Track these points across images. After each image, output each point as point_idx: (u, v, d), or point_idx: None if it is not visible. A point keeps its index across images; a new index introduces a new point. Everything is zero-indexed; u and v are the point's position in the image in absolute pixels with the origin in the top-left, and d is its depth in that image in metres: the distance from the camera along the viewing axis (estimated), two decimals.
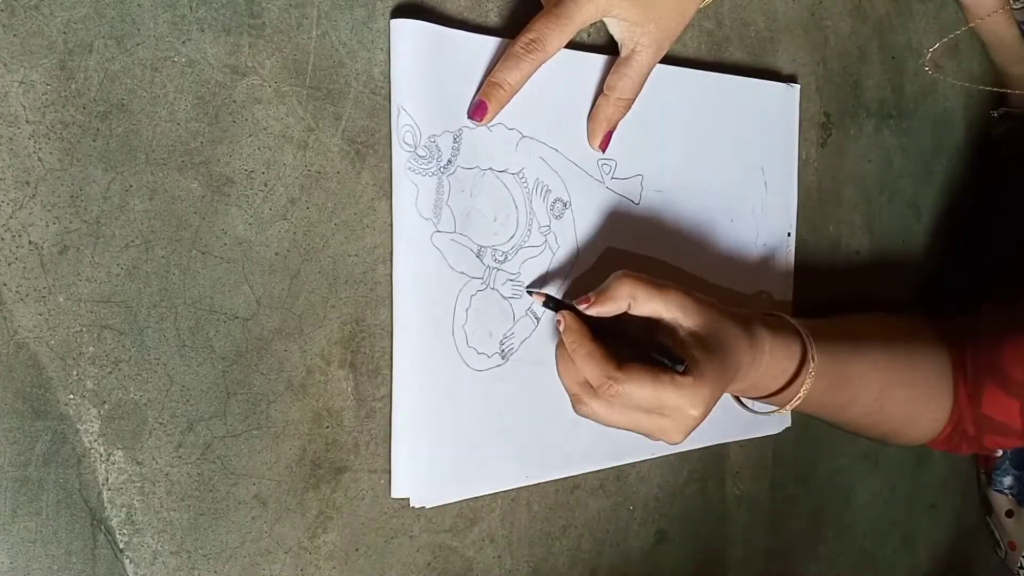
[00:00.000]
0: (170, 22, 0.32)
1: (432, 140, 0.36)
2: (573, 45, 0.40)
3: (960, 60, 0.59)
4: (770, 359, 0.41)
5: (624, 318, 0.38)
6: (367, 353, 0.37)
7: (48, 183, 0.30)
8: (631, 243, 0.43)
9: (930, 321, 0.50)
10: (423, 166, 0.36)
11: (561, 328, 0.37)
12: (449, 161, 0.37)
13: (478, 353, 0.38)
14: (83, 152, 0.30)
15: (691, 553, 0.49)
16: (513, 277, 0.39)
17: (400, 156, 0.36)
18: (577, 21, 0.37)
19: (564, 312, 0.38)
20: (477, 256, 0.38)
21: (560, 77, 0.39)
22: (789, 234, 0.50)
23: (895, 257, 0.57)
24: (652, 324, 0.38)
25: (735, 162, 0.47)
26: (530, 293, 0.39)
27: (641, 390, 0.35)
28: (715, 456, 0.50)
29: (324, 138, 0.35)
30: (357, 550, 0.37)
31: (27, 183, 0.30)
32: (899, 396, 0.47)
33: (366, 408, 0.37)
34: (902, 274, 0.58)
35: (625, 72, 0.40)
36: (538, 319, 0.40)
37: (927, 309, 0.53)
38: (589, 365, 0.36)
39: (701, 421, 0.37)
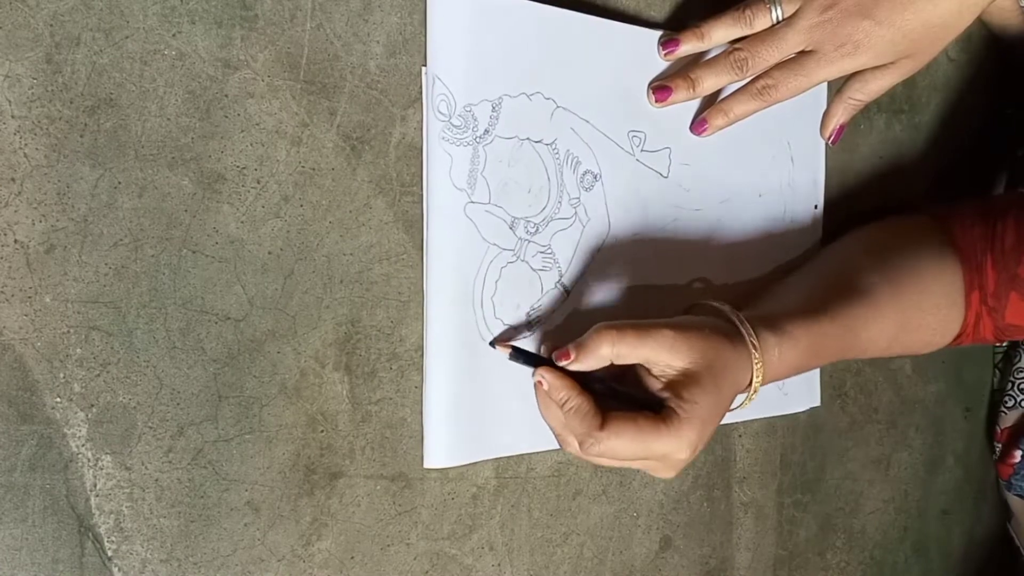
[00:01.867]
0: (160, 14, 0.31)
1: (468, 110, 0.36)
2: (609, 15, 0.40)
3: (974, 53, 0.57)
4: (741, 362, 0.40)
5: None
6: (363, 355, 0.36)
7: (34, 180, 0.29)
8: (660, 216, 0.43)
9: (942, 229, 0.48)
10: (458, 136, 0.36)
11: (544, 387, 0.36)
12: (486, 131, 0.36)
13: (504, 324, 0.38)
14: (70, 148, 0.30)
15: (696, 561, 0.48)
16: (543, 249, 0.39)
17: (435, 126, 0.35)
18: (814, 80, 0.41)
19: (543, 371, 0.36)
20: (510, 228, 0.38)
21: (594, 48, 0.39)
22: (816, 207, 0.49)
23: None
24: (638, 365, 0.37)
25: (763, 137, 0.46)
26: (493, 346, 0.37)
27: (625, 444, 0.35)
28: (721, 462, 0.49)
29: (318, 134, 0.34)
30: (352, 558, 0.36)
31: (12, 180, 0.29)
32: (912, 329, 0.46)
33: (362, 412, 0.36)
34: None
35: (867, 82, 0.43)
36: (568, 292, 0.40)
37: (938, 214, 0.50)
38: (575, 420, 0.36)
39: (691, 460, 0.37)
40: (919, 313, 0.46)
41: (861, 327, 0.43)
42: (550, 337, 0.39)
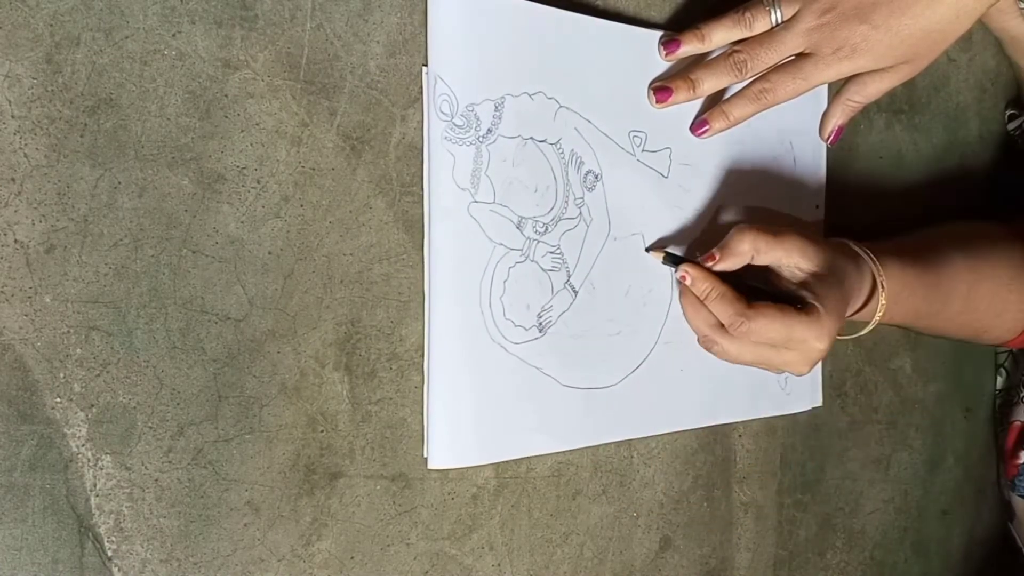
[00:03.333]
0: (160, 14, 0.31)
1: (470, 109, 0.36)
2: (609, 16, 0.40)
3: (974, 54, 0.57)
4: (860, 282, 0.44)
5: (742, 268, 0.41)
6: (363, 355, 0.36)
7: (34, 180, 0.29)
8: (660, 216, 0.43)
9: (1006, 226, 0.52)
10: (460, 135, 0.36)
11: (688, 281, 0.40)
12: (489, 130, 0.36)
13: (515, 325, 0.38)
14: (70, 148, 0.30)
15: (696, 561, 0.48)
16: (553, 249, 0.39)
17: (436, 126, 0.35)
18: (812, 82, 0.41)
19: (686, 266, 0.40)
20: (517, 227, 0.38)
21: (595, 48, 0.39)
22: (817, 207, 0.50)
23: None
24: (768, 269, 0.41)
25: (764, 136, 0.46)
26: (648, 251, 0.41)
27: (771, 324, 0.38)
28: (721, 461, 0.49)
29: (318, 134, 0.34)
30: (352, 558, 0.36)
31: (12, 180, 0.29)
32: (985, 290, 0.49)
33: (362, 412, 0.36)
34: None
35: (865, 85, 0.44)
36: (576, 293, 0.40)
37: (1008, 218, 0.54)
38: (721, 306, 0.39)
39: (825, 353, 0.40)
40: (989, 273, 0.49)
41: (941, 277, 0.47)
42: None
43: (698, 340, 0.42)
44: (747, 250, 0.40)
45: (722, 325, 0.40)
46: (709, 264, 0.40)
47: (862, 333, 0.45)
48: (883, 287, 0.43)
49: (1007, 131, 0.60)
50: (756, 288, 0.40)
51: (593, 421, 0.41)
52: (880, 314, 0.44)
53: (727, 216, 0.45)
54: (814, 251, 0.40)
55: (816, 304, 0.39)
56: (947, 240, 0.49)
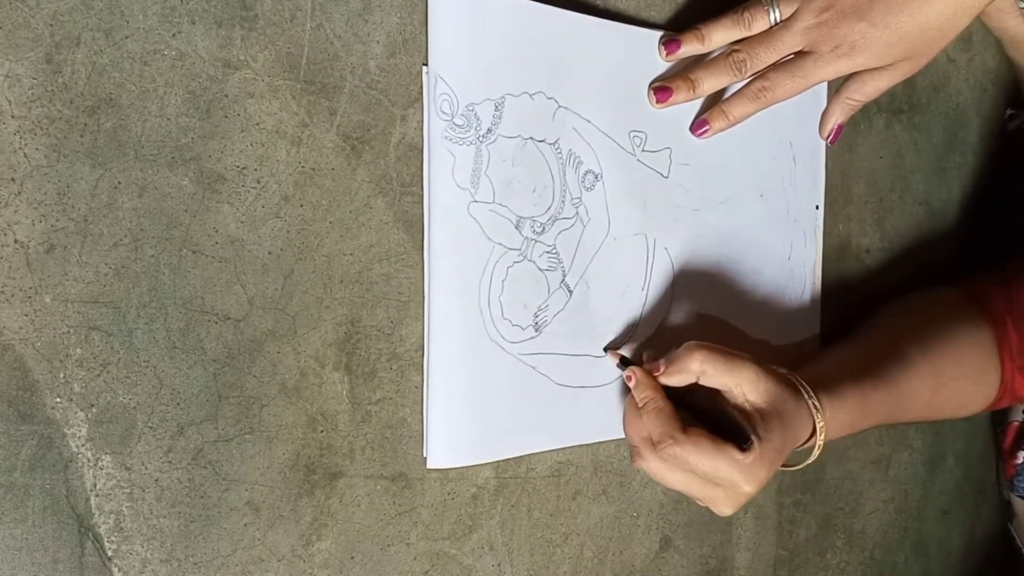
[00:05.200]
0: (160, 14, 0.31)
1: (470, 109, 0.36)
2: (609, 15, 0.40)
3: (974, 54, 0.57)
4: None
5: (690, 385, 0.39)
6: (363, 355, 0.36)
7: (34, 180, 0.29)
8: (660, 216, 0.43)
9: (968, 297, 0.50)
10: (460, 135, 0.36)
11: (632, 383, 0.38)
12: (489, 130, 0.36)
13: (512, 325, 0.38)
14: (70, 148, 0.30)
15: (696, 561, 0.48)
16: (549, 249, 0.39)
17: (437, 125, 0.35)
18: (811, 80, 0.41)
19: (634, 368, 0.39)
20: (516, 227, 0.38)
21: (595, 48, 0.39)
22: (817, 207, 0.49)
23: (906, 255, 0.56)
24: (717, 392, 0.39)
25: (764, 137, 0.46)
26: (605, 351, 0.40)
27: (701, 457, 0.36)
28: None
29: (318, 134, 0.34)
30: (352, 558, 0.36)
31: (13, 180, 0.29)
32: (948, 393, 0.48)
33: (362, 412, 0.36)
34: (914, 272, 0.57)
35: (864, 83, 0.43)
36: (571, 292, 0.40)
37: (962, 284, 0.53)
38: (656, 420, 0.37)
39: (752, 497, 0.38)
40: (956, 373, 0.47)
41: (902, 390, 0.45)
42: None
43: (630, 454, 0.39)
44: (695, 369, 0.38)
45: (653, 440, 0.37)
46: (654, 374, 0.38)
47: (802, 466, 0.42)
48: (820, 432, 0.40)
49: (1007, 131, 0.60)
50: (702, 410, 0.38)
51: (589, 420, 0.41)
52: (816, 454, 0.42)
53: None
54: (764, 386, 0.38)
55: (754, 447, 0.37)
56: (911, 342, 0.47)
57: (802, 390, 0.41)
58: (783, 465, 0.41)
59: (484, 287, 0.37)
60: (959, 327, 0.48)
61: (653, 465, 0.37)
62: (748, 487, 0.37)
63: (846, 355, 0.46)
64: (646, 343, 0.42)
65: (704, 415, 0.38)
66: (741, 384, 0.38)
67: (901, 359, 0.46)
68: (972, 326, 0.49)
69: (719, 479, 0.37)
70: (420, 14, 0.36)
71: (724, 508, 0.38)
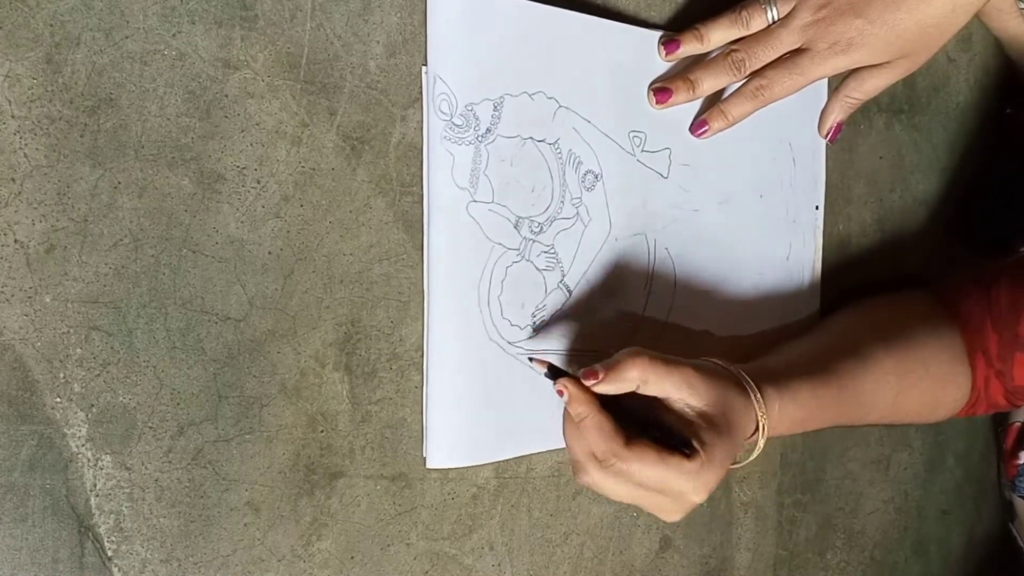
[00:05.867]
0: (160, 14, 0.31)
1: (469, 109, 0.36)
2: (609, 15, 0.40)
3: (974, 53, 0.57)
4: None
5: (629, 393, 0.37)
6: (363, 355, 0.36)
7: (34, 180, 0.29)
8: (660, 216, 0.43)
9: (939, 300, 0.49)
10: (459, 135, 0.36)
11: (564, 399, 0.36)
12: (488, 130, 0.36)
13: (511, 324, 0.38)
14: (70, 148, 0.30)
15: (696, 561, 0.48)
16: (547, 249, 0.39)
17: (436, 125, 0.35)
18: (808, 78, 0.41)
19: (566, 381, 0.36)
20: (515, 227, 0.38)
21: (595, 48, 0.39)
22: (817, 207, 0.49)
23: (907, 255, 0.56)
24: (657, 400, 0.37)
25: (763, 137, 0.46)
26: (531, 361, 0.38)
27: (646, 470, 0.35)
28: None
29: (318, 134, 0.34)
30: (352, 558, 0.36)
31: (12, 180, 0.29)
32: (914, 395, 0.46)
33: (362, 412, 0.36)
34: (913, 272, 0.57)
35: (863, 81, 0.43)
36: (570, 292, 0.40)
37: (935, 286, 0.51)
38: (596, 437, 0.35)
39: (701, 503, 0.37)
40: (921, 374, 0.46)
41: (862, 388, 0.43)
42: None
43: (572, 469, 0.38)
44: (635, 377, 0.36)
45: (596, 457, 0.35)
46: (591, 382, 0.36)
47: (744, 463, 0.40)
48: (763, 428, 0.39)
49: (1007, 131, 0.60)
50: (643, 419, 0.37)
51: None
52: (758, 451, 0.40)
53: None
54: (705, 389, 0.36)
55: (700, 454, 0.35)
56: (874, 340, 0.45)
57: (746, 385, 0.39)
58: (736, 462, 0.39)
59: (483, 287, 0.37)
60: (926, 328, 0.47)
61: (598, 480, 0.36)
62: (696, 496, 0.36)
63: (802, 349, 0.44)
64: (648, 344, 0.40)
65: (642, 422, 0.37)
66: (680, 389, 0.36)
67: (861, 357, 0.44)
68: (940, 328, 0.47)
69: (667, 490, 0.35)
70: (420, 14, 0.36)
71: (672, 516, 0.37)
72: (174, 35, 0.31)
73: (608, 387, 0.36)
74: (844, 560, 0.56)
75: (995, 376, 0.47)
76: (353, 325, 0.36)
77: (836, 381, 0.42)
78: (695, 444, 0.36)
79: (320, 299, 0.35)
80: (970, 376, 0.47)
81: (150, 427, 0.32)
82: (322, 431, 0.35)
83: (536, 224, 0.38)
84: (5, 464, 0.29)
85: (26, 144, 0.29)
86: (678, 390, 0.36)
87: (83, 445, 0.31)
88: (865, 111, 0.51)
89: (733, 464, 0.39)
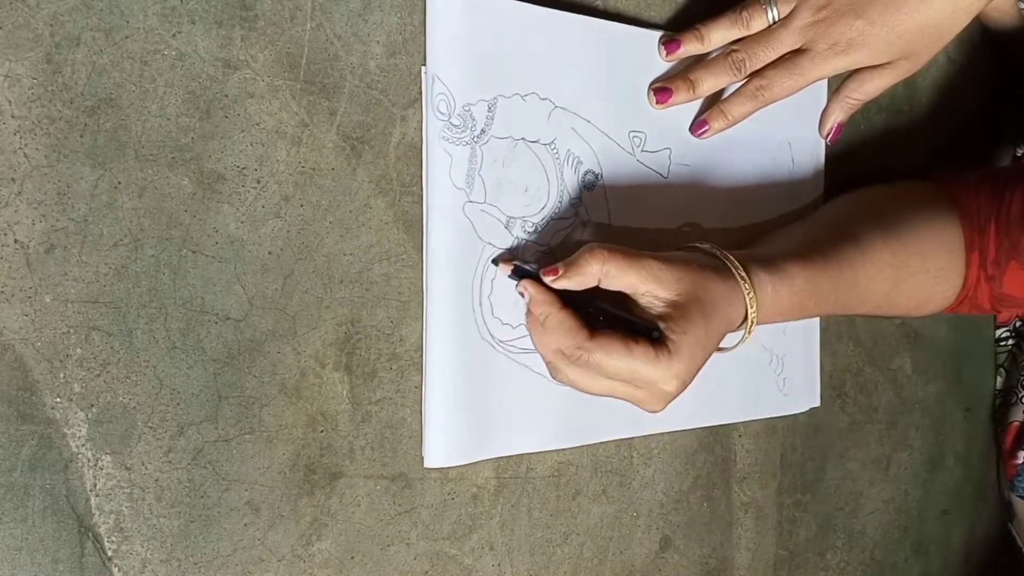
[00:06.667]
0: (160, 14, 0.31)
1: (466, 109, 0.36)
2: (609, 16, 0.40)
3: (974, 54, 0.57)
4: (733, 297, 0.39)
5: (596, 290, 0.37)
6: (363, 355, 0.36)
7: (34, 180, 0.29)
8: (660, 216, 0.43)
9: (943, 193, 0.48)
10: (457, 135, 0.36)
11: (526, 298, 0.36)
12: (483, 131, 0.37)
13: (502, 323, 0.38)
14: (70, 148, 0.30)
15: (696, 561, 0.48)
16: (545, 249, 0.39)
17: (434, 125, 0.35)
18: (808, 78, 0.41)
19: (527, 282, 0.36)
20: (505, 227, 0.38)
21: (595, 49, 0.39)
22: (817, 208, 0.49)
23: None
24: (625, 296, 0.37)
25: (763, 137, 0.46)
26: (495, 263, 0.37)
27: (611, 360, 0.34)
28: (721, 461, 0.49)
29: (318, 134, 0.34)
30: (352, 558, 0.36)
31: (12, 180, 0.29)
32: (908, 288, 0.45)
33: (362, 412, 0.36)
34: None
35: (864, 81, 0.44)
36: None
37: (940, 178, 0.50)
38: (559, 334, 0.35)
39: (679, 393, 0.36)
40: (917, 267, 0.45)
41: (858, 277, 0.43)
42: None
43: (547, 371, 0.37)
44: (595, 271, 0.35)
45: (565, 354, 0.35)
46: (550, 278, 0.35)
47: (736, 345, 0.40)
48: (752, 307, 0.38)
49: (1006, 131, 0.60)
50: (609, 311, 0.36)
51: (586, 419, 0.41)
52: (751, 334, 0.39)
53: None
54: (672, 279, 0.36)
55: (667, 344, 0.35)
56: (872, 228, 0.44)
57: (731, 267, 0.38)
58: (719, 348, 0.39)
59: (476, 286, 0.37)
60: (927, 221, 0.45)
61: (573, 376, 0.36)
62: (668, 386, 0.35)
63: (798, 234, 0.43)
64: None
65: (611, 316, 0.36)
66: (646, 281, 0.35)
67: (859, 244, 0.43)
68: (942, 221, 0.46)
69: (638, 380, 0.35)
70: (420, 14, 0.36)
71: (651, 405, 0.36)
72: (174, 35, 0.31)
73: (568, 282, 0.35)
74: (844, 560, 0.56)
75: (985, 280, 0.46)
76: (353, 325, 0.36)
77: (834, 268, 0.42)
78: (662, 328, 0.35)
79: (320, 299, 0.35)
80: (963, 273, 0.46)
81: (150, 427, 0.32)
82: (322, 431, 0.35)
83: (530, 224, 0.38)
84: (5, 464, 0.29)
85: (26, 144, 0.29)
86: (643, 282, 0.36)
87: (83, 445, 0.31)
88: (865, 111, 0.51)
89: (720, 349, 0.39)
